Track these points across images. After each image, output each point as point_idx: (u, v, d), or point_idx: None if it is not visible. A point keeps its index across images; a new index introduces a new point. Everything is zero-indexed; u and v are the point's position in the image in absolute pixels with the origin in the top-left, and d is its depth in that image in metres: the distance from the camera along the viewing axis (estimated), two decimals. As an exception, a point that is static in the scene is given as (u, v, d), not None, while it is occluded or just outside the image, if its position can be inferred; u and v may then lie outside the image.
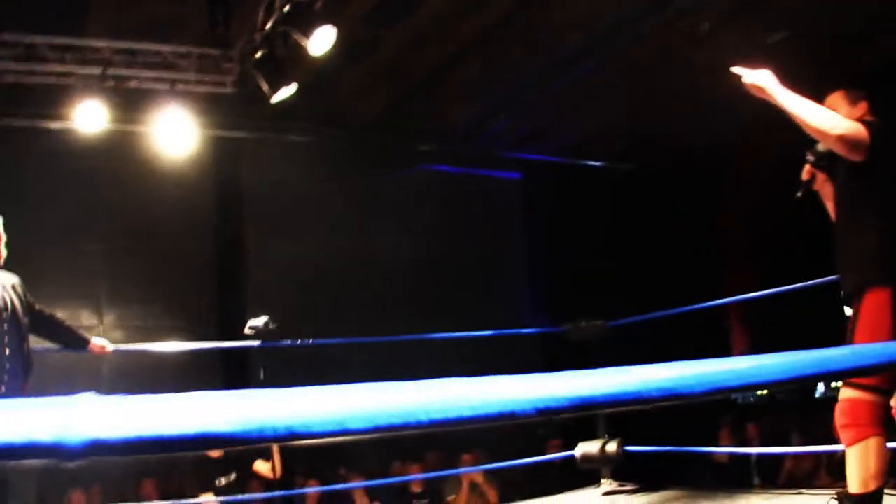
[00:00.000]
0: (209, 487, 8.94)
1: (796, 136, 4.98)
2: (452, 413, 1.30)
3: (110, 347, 7.25)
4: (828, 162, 5.19)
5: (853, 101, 5.20)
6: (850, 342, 4.80)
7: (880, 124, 4.99)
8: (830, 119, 4.76)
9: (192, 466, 9.22)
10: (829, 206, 5.36)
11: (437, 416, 1.29)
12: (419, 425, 1.31)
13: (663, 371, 1.54)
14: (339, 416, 1.23)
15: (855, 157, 4.83)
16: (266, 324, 8.40)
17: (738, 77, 5.05)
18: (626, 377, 1.48)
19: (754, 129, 15.80)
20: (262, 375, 9.96)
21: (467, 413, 1.31)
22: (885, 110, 5.37)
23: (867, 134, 4.79)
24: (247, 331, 8.47)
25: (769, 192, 18.36)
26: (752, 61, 12.19)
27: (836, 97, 5.27)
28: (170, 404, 1.24)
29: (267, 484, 9.87)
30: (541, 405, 1.38)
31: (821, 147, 5.20)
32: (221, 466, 8.98)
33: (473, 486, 11.63)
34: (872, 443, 4.80)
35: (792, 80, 12.66)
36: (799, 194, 5.36)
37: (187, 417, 1.22)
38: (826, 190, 5.37)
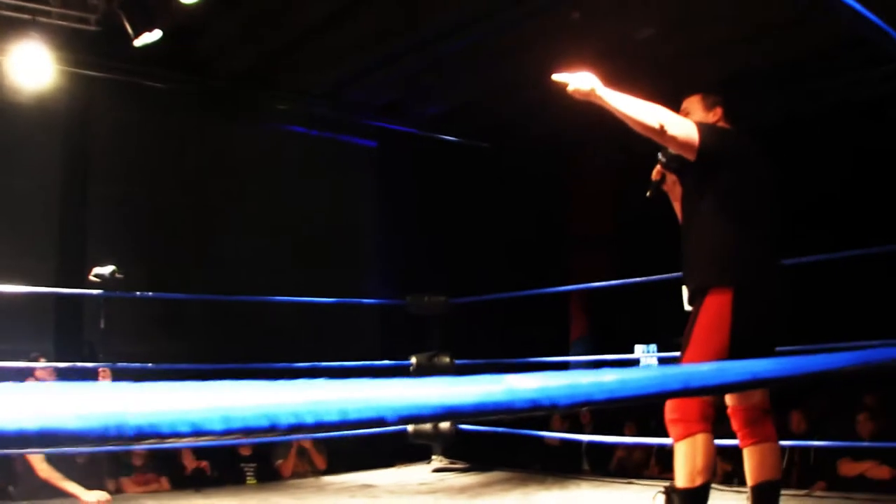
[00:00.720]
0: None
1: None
2: (316, 417, 1.23)
3: None
4: (678, 164, 5.19)
5: (708, 107, 5.30)
6: (688, 340, 4.93)
7: (727, 129, 5.14)
8: (658, 116, 4.80)
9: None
10: (678, 206, 5.44)
11: (299, 420, 1.22)
12: (279, 429, 1.25)
13: (530, 381, 1.50)
14: (195, 417, 1.15)
15: (687, 155, 4.87)
16: (112, 272, 8.23)
17: (563, 84, 4.97)
18: (495, 387, 1.43)
19: (606, 125, 16.03)
20: (102, 324, 9.82)
21: (334, 418, 1.25)
22: (743, 115, 5.45)
23: (698, 133, 4.85)
24: (92, 278, 8.29)
25: (620, 186, 18.71)
26: (618, 56, 12.33)
27: (692, 101, 5.38)
28: (8, 395, 1.13)
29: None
30: (406, 413, 1.33)
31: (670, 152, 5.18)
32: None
33: (302, 452, 11.56)
34: (700, 438, 4.90)
35: (654, 78, 12.87)
36: (648, 194, 5.43)
37: (28, 410, 1.11)
38: (675, 191, 5.44)
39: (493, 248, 15.82)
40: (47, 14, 11.16)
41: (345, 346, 12.14)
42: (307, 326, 13.89)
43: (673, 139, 4.81)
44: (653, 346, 17.50)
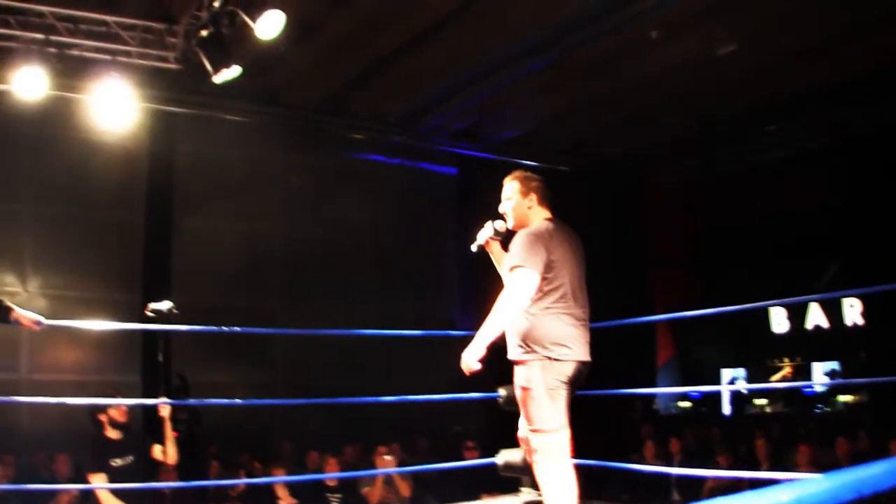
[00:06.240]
0: (104, 468, 8.67)
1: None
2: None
3: (44, 322, 6.85)
4: (504, 236, 6.18)
5: (526, 191, 6.03)
6: (521, 409, 5.83)
7: (542, 232, 5.77)
8: (506, 307, 5.54)
9: (90, 445, 8.94)
10: (498, 266, 6.32)
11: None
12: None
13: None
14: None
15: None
16: (170, 309, 8.27)
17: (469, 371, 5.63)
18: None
19: (681, 141, 15.95)
20: (160, 357, 9.94)
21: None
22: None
23: (532, 271, 5.55)
24: (148, 314, 8.33)
25: (697, 203, 18.57)
26: (696, 72, 12.16)
27: (511, 187, 6.10)
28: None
29: (180, 473, 9.68)
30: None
31: (499, 226, 6.19)
32: (119, 447, 8.72)
33: (388, 479, 11.52)
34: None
35: (735, 92, 12.68)
36: (473, 249, 6.43)
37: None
38: (495, 250, 6.38)
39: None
40: (127, 54, 11.27)
41: (428, 378, 12.12)
42: (390, 357, 13.90)
43: (526, 296, 5.55)
44: (741, 371, 17.29)
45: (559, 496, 5.65)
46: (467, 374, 5.60)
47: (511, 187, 6.09)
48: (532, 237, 5.71)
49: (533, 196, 6.02)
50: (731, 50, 12.59)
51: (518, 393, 5.80)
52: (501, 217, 6.19)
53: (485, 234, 6.28)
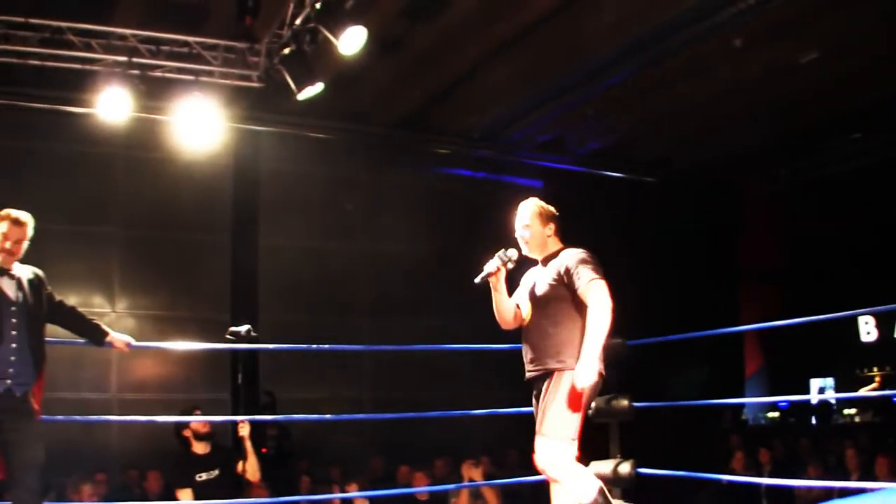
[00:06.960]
0: (190, 483, 8.77)
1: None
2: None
3: (134, 344, 7.00)
4: (514, 266, 6.10)
5: (545, 220, 6.17)
6: (543, 414, 5.75)
7: (594, 256, 5.91)
8: (605, 317, 5.58)
9: (176, 460, 9.04)
10: (497, 296, 6.28)
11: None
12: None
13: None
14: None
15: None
16: (248, 331, 8.35)
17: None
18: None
19: (769, 150, 15.81)
20: (239, 379, 9.93)
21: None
22: None
23: (607, 288, 5.68)
24: (227, 336, 8.41)
25: (787, 213, 18.38)
26: (779, 80, 12.04)
27: (533, 212, 6.20)
28: None
29: (270, 488, 9.75)
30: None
31: (513, 254, 6.06)
32: (205, 462, 8.81)
33: (475, 491, 11.50)
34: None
35: (819, 100, 12.56)
36: (478, 281, 6.24)
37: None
38: (500, 284, 6.23)
39: (665, 286, 15.57)
40: (210, 74, 11.38)
41: (517, 391, 12.09)
42: (479, 370, 13.87)
43: (611, 304, 5.63)
44: (829, 381, 17.12)
45: (587, 485, 5.65)
46: (582, 392, 5.61)
47: (530, 214, 6.19)
48: (589, 254, 5.87)
49: (552, 225, 6.15)
50: (814, 57, 12.49)
51: (557, 405, 5.78)
52: (514, 244, 6.22)
53: (496, 262, 6.16)
